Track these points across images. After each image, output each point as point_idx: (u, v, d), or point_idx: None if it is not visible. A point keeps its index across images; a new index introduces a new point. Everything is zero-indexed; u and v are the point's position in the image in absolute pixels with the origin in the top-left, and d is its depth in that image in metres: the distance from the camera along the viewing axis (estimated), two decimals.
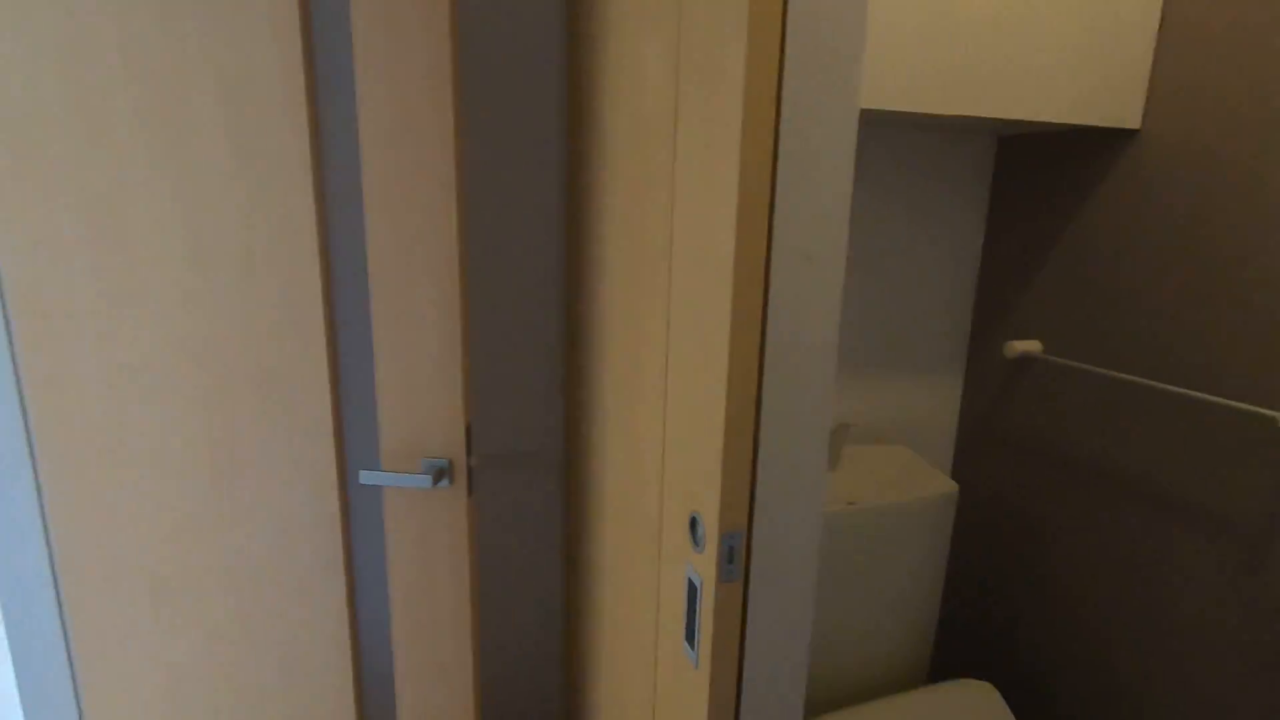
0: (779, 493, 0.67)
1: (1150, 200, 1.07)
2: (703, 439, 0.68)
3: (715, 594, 0.67)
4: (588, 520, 1.16)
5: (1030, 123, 1.08)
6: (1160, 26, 1.04)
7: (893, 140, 1.27)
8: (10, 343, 0.92)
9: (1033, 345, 1.26)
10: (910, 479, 1.25)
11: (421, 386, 1.02)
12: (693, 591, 0.72)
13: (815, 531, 0.69)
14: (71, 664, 1.05)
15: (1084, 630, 1.20)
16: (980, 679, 1.29)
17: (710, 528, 0.67)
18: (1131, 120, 1.07)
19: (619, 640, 1.02)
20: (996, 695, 1.17)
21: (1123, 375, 1.07)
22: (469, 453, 1.07)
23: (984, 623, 1.42)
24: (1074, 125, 1.07)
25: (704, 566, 0.69)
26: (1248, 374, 0.96)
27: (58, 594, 1.02)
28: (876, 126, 1.24)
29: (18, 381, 0.93)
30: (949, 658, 1.53)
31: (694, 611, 0.72)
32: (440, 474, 1.04)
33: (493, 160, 1.11)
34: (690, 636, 0.73)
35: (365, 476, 0.99)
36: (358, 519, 1.08)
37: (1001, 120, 1.07)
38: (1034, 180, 1.26)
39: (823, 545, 1.15)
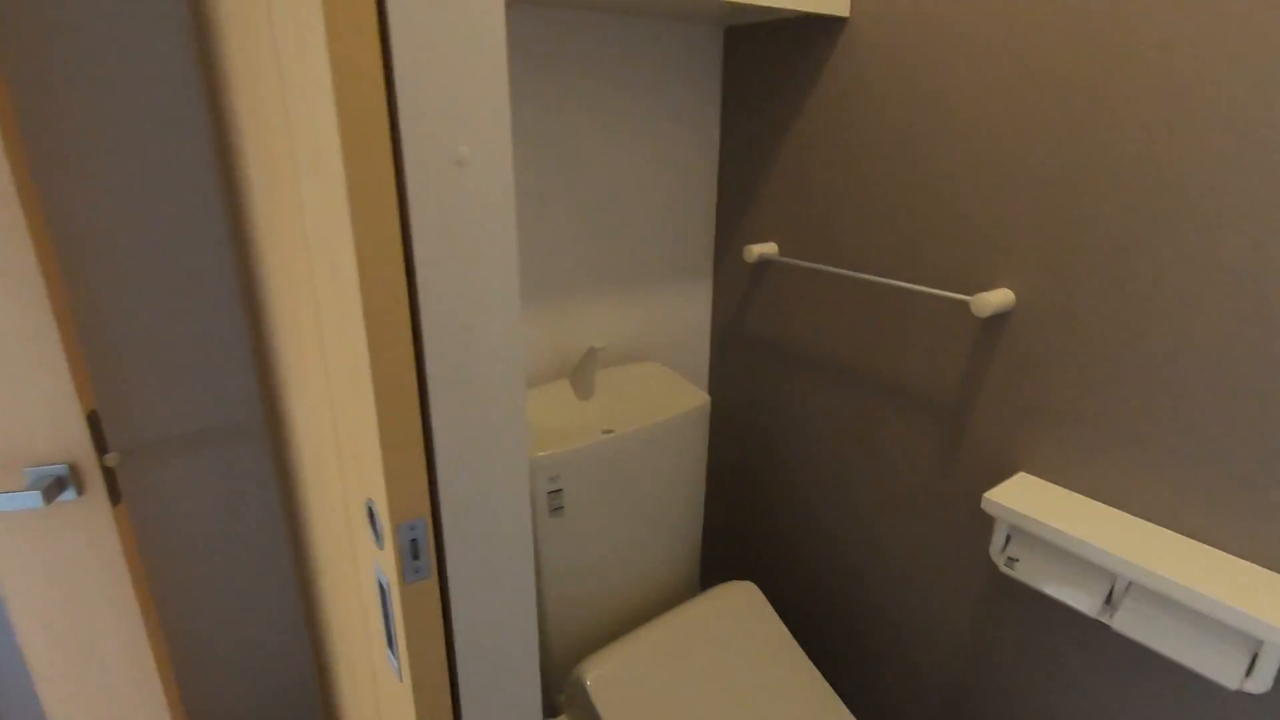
0: (467, 470, 0.54)
1: (859, 92, 1.06)
2: (361, 409, 0.52)
3: (402, 596, 0.54)
4: (299, 504, 0.97)
5: (748, 7, 1.01)
6: None
7: (616, 32, 1.13)
8: None
9: (769, 247, 1.25)
10: (664, 397, 1.21)
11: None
12: (383, 593, 0.58)
13: (521, 512, 0.58)
14: None
15: (827, 516, 1.28)
16: (745, 579, 1.33)
17: (384, 517, 0.53)
18: (840, 7, 1.04)
19: (344, 643, 0.87)
20: (757, 592, 1.22)
21: (843, 271, 1.09)
22: (103, 450, 0.81)
23: (744, 524, 1.48)
24: (790, 12, 1.02)
25: (387, 564, 0.55)
26: (946, 264, 1.01)
27: None
28: (588, 10, 1.10)
29: None
30: (718, 564, 1.60)
31: (388, 616, 0.58)
32: (58, 485, 0.78)
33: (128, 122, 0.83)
34: (391, 644, 0.60)
35: None
36: None
37: (719, 4, 0.99)
38: (760, 74, 1.22)
39: (583, 477, 1.07)
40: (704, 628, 1.14)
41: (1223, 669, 0.76)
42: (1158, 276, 0.80)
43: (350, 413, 0.56)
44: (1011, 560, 0.93)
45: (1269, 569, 0.77)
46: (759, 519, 1.45)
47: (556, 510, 1.05)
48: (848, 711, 1.05)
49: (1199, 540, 0.82)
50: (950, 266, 1.00)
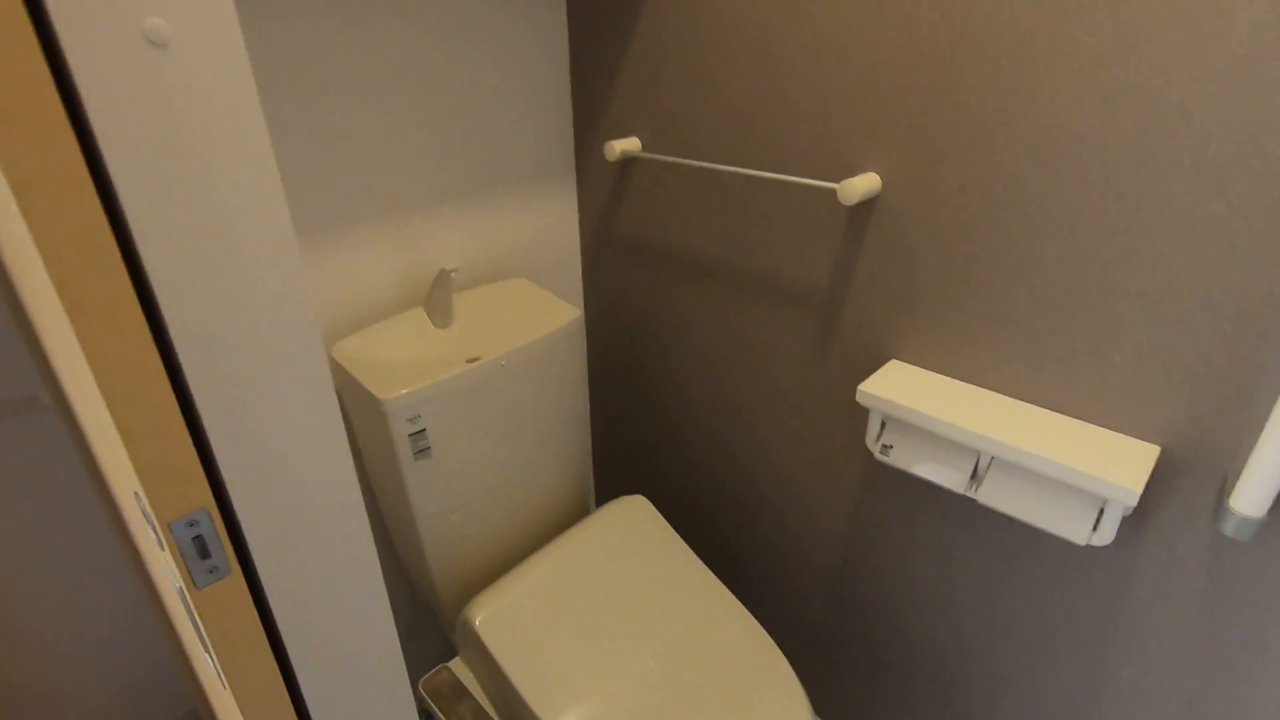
0: (254, 443, 0.44)
1: None
2: (87, 388, 0.41)
3: (197, 602, 0.44)
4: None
5: None
6: None
7: None
8: None
9: (631, 143, 1.15)
10: (533, 315, 1.12)
11: None
12: (183, 599, 0.48)
13: (344, 476, 0.49)
14: None
15: (712, 417, 1.26)
16: (638, 494, 1.31)
17: (153, 512, 0.42)
18: None
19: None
20: (647, 504, 1.20)
21: (708, 164, 1.01)
22: None
23: (633, 436, 1.45)
24: None
25: (172, 567, 0.45)
26: (811, 151, 0.95)
27: None
28: None
29: None
30: (614, 481, 1.58)
31: (195, 624, 0.49)
32: None
33: None
34: (208, 650, 0.51)
35: None
36: None
37: None
38: None
39: (449, 412, 0.98)
40: (593, 549, 1.12)
41: (1072, 528, 0.80)
42: (1014, 148, 0.78)
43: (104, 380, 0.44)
44: (886, 448, 0.94)
45: (1113, 430, 0.81)
46: (646, 429, 1.42)
47: (423, 452, 0.96)
48: (742, 607, 1.07)
49: (1053, 410, 0.85)
50: (815, 153, 0.95)
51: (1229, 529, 0.69)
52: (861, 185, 0.87)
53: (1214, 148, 0.66)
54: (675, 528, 1.46)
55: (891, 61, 0.84)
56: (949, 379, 0.93)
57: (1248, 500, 0.68)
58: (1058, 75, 0.73)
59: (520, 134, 1.18)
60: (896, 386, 0.91)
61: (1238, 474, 0.71)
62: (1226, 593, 0.78)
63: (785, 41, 0.92)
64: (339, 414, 0.50)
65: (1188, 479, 0.78)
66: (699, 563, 1.13)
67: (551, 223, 1.30)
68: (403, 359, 1.01)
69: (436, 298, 1.06)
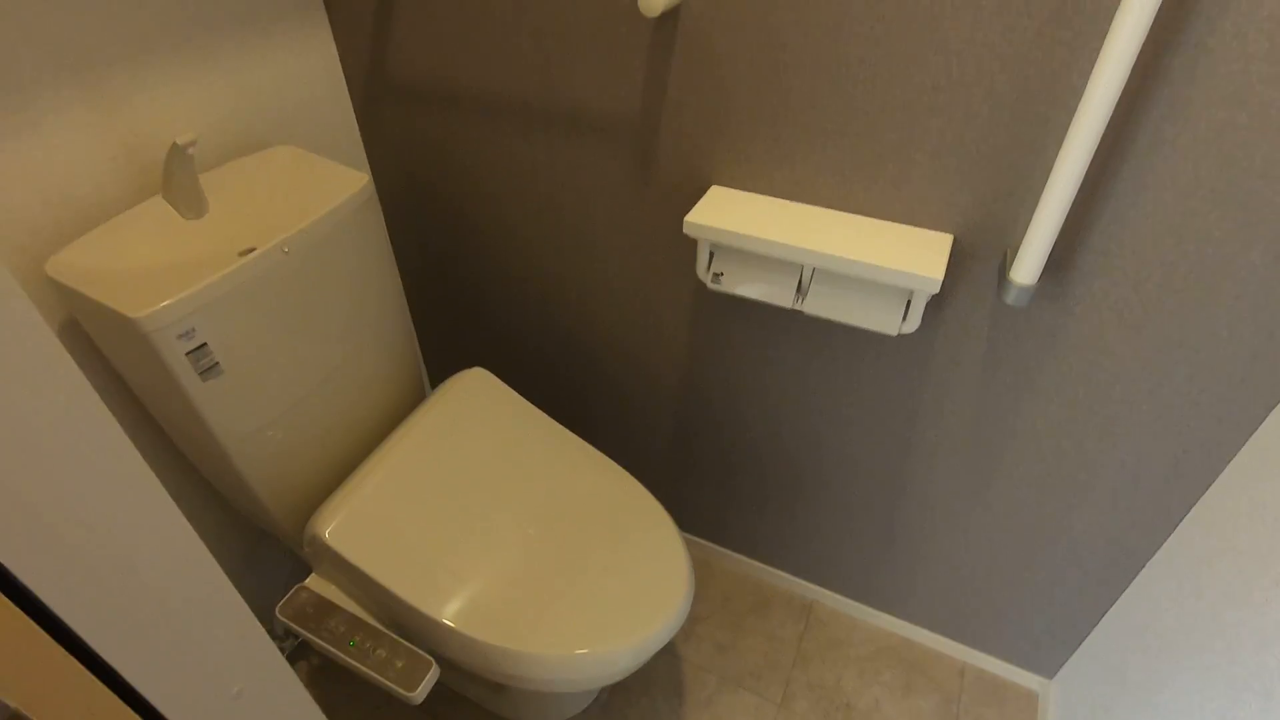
0: None
1: None
2: None
3: None
4: None
5: None
6: None
7: None
8: None
9: None
10: (311, 187, 0.95)
11: None
12: None
13: (92, 413, 0.38)
14: None
15: (541, 268, 1.20)
16: (476, 366, 1.24)
17: None
18: None
19: None
20: (487, 375, 1.15)
21: None
22: None
23: (458, 305, 1.35)
24: None
25: None
26: None
27: None
28: None
29: None
30: (448, 356, 1.49)
31: None
32: None
33: None
34: None
35: None
36: None
37: None
38: None
39: (232, 319, 0.83)
40: (437, 431, 1.06)
41: (885, 321, 0.88)
42: None
43: None
44: (717, 275, 0.95)
45: (915, 226, 0.87)
46: (469, 292, 1.33)
47: (210, 371, 0.81)
48: (598, 453, 1.09)
49: (865, 215, 0.89)
50: None
51: (1010, 298, 0.79)
52: None
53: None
54: (518, 390, 1.43)
55: None
56: (769, 198, 0.93)
57: (1025, 271, 0.77)
58: None
59: None
60: (721, 214, 0.90)
61: (1015, 251, 0.80)
62: (1005, 350, 0.91)
63: None
64: (56, 345, 0.38)
65: (975, 261, 0.86)
66: (549, 420, 1.12)
67: (306, 71, 1.07)
68: (154, 264, 0.82)
69: (177, 180, 0.85)
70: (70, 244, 0.81)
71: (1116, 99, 0.65)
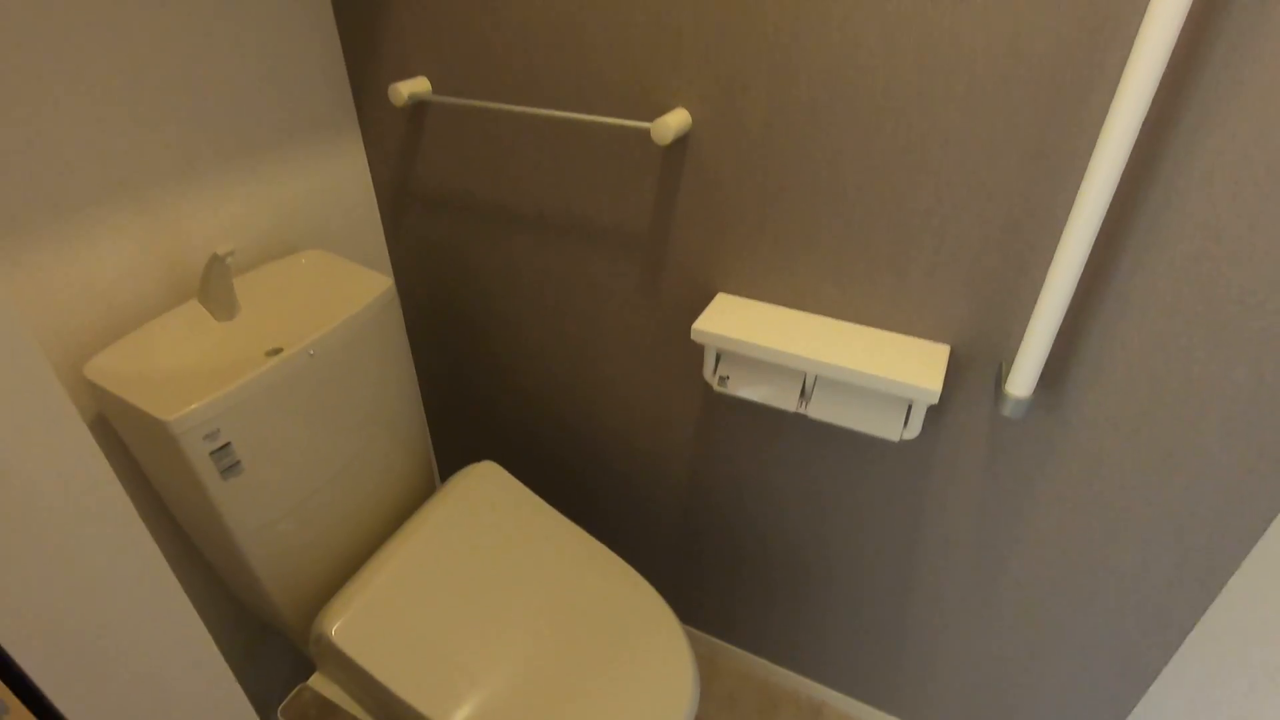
0: None
1: None
2: None
3: None
4: None
5: None
6: None
7: None
8: None
9: (419, 84, 1.03)
10: (337, 290, 1.00)
11: None
12: None
13: (119, 510, 0.41)
14: None
15: (553, 370, 1.24)
16: (486, 460, 1.27)
17: None
18: None
19: None
20: (498, 469, 1.17)
21: (510, 106, 0.94)
22: None
23: (471, 401, 1.39)
24: None
25: None
26: (620, 87, 0.91)
27: None
28: None
29: None
30: (457, 452, 1.51)
31: None
32: None
33: None
34: None
35: None
36: None
37: None
38: None
39: (256, 419, 0.86)
40: (447, 526, 1.07)
41: (887, 428, 0.90)
42: (811, 78, 0.80)
43: None
44: (723, 379, 0.98)
45: (913, 335, 0.91)
46: (482, 389, 1.36)
47: (231, 469, 0.84)
48: (607, 551, 1.09)
49: (864, 324, 0.93)
50: (624, 89, 0.91)
51: (1007, 410, 0.82)
52: (674, 123, 0.85)
53: (979, 65, 0.72)
54: (528, 483, 1.45)
55: None
56: (772, 305, 0.97)
57: (1020, 384, 0.80)
58: (845, 6, 0.75)
59: (284, 90, 1.01)
60: (727, 321, 0.94)
61: (1010, 363, 0.83)
62: (1004, 457, 0.93)
63: None
64: (89, 440, 0.40)
65: (973, 371, 0.90)
66: (557, 515, 1.13)
67: (338, 181, 1.15)
68: (185, 366, 0.86)
69: (213, 287, 0.90)
70: (107, 348, 0.85)
71: (1098, 229, 0.69)
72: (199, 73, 0.90)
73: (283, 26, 0.99)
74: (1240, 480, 0.81)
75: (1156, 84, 0.62)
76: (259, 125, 1.00)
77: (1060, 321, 0.75)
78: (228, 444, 0.83)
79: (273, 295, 0.99)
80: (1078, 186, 0.74)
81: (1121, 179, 0.71)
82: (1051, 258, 0.77)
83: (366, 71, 1.09)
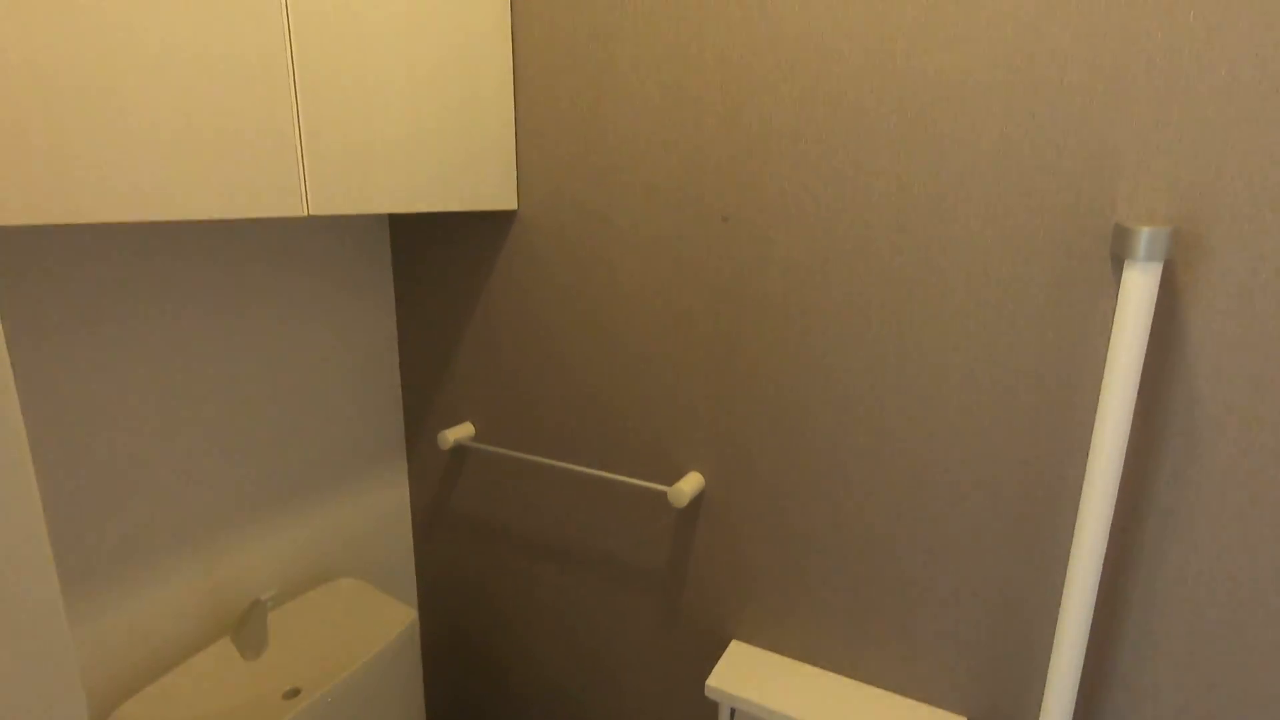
0: None
1: (535, 273, 1.06)
2: None
3: None
4: None
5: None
6: (515, 123, 1.02)
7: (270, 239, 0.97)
8: None
9: (465, 430, 1.17)
10: (361, 626, 1.03)
11: None
12: None
13: None
14: None
15: (563, 709, 1.21)
16: None
17: None
18: (509, 202, 1.04)
19: None
20: None
21: (543, 460, 1.06)
22: None
23: None
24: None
25: None
26: (641, 448, 1.04)
27: None
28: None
29: None
30: None
31: None
32: None
33: None
34: None
35: None
36: None
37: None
38: (436, 256, 1.15)
39: None
40: None
41: None
42: (813, 450, 0.91)
43: None
44: None
45: (928, 704, 0.91)
46: (490, 717, 1.32)
47: None
48: None
49: (878, 686, 0.94)
50: (646, 453, 1.04)
51: None
52: (689, 489, 0.95)
53: (958, 475, 0.83)
54: None
55: (703, 367, 0.97)
56: (786, 659, 0.99)
57: None
58: (832, 406, 0.88)
59: (344, 430, 1.16)
60: (741, 677, 0.95)
61: None
62: None
63: (613, 345, 1.03)
64: None
65: None
66: None
67: (380, 514, 1.25)
68: (205, 713, 0.87)
69: (248, 628, 0.95)
70: (134, 696, 0.87)
71: (1089, 621, 0.74)
72: (267, 416, 1.04)
73: (353, 375, 1.17)
74: None
75: (1114, 494, 0.71)
76: (315, 464, 1.12)
77: (1071, 709, 0.76)
78: None
79: (301, 629, 1.02)
80: (1065, 565, 0.80)
81: (1102, 580, 0.77)
82: (1052, 639, 0.80)
83: (420, 415, 1.25)
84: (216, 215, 0.65)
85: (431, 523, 1.28)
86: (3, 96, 0.50)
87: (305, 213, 0.73)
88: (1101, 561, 0.73)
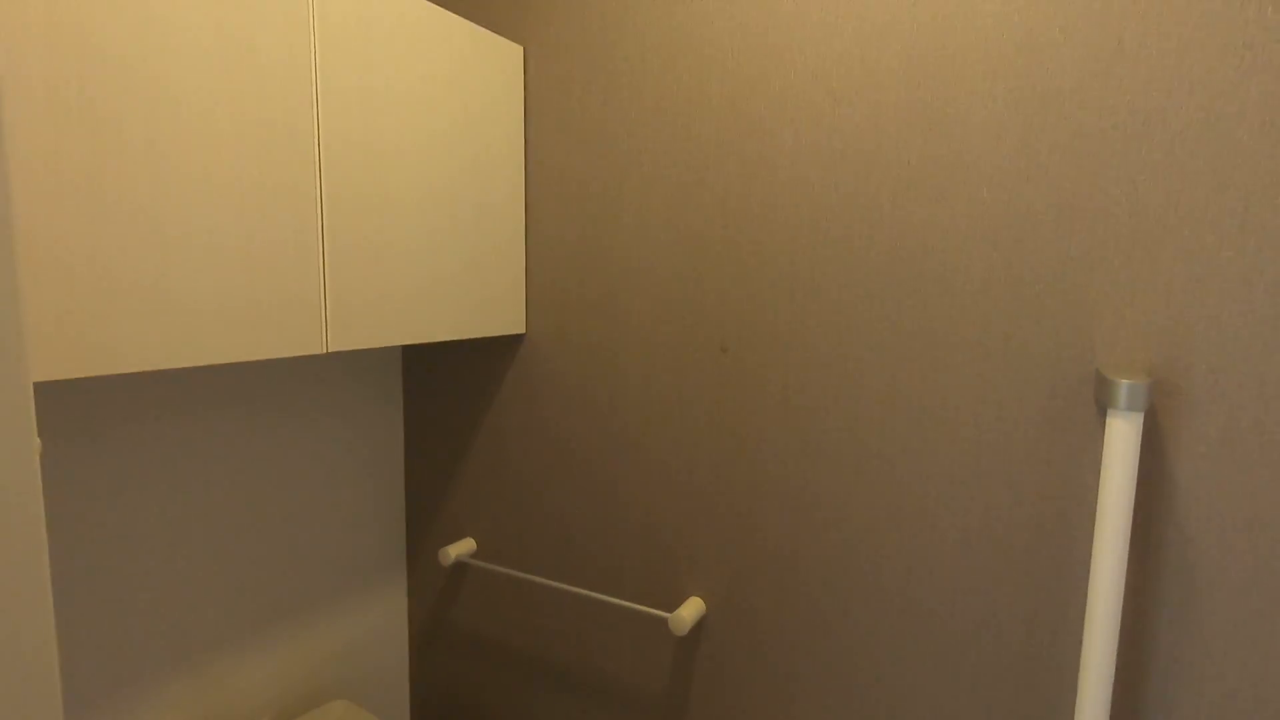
0: None
1: (541, 396, 1.09)
2: None
3: None
4: None
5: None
6: (526, 255, 1.08)
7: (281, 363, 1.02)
8: None
9: (466, 546, 1.17)
10: None
11: None
12: None
13: None
14: None
15: None
16: None
17: None
18: (518, 326, 1.08)
19: None
20: None
21: (544, 580, 1.06)
22: None
23: None
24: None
25: None
26: (642, 573, 1.04)
27: None
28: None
29: None
30: None
31: None
32: None
33: None
34: None
35: None
36: None
37: None
38: (444, 381, 1.19)
39: None
40: None
41: None
42: (811, 581, 0.91)
43: None
44: None
45: None
46: None
47: None
48: None
49: None
50: (646, 575, 1.03)
51: None
52: (690, 616, 0.95)
53: (953, 625, 0.83)
54: None
55: (705, 495, 0.98)
56: None
57: None
58: (829, 544, 0.89)
59: (346, 545, 1.16)
60: None
61: None
62: None
63: (614, 471, 1.04)
64: None
65: None
66: None
67: (378, 631, 1.23)
68: None
69: None
70: None
71: None
72: (271, 533, 1.05)
73: (357, 491, 1.18)
74: None
75: (1115, 636, 0.70)
76: (315, 580, 1.12)
77: None
78: None
79: None
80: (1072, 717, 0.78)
81: None
82: None
83: (422, 530, 1.25)
84: (244, 359, 0.69)
85: (429, 640, 1.26)
86: (78, 283, 0.55)
87: (324, 350, 0.77)
88: (1109, 709, 0.72)
